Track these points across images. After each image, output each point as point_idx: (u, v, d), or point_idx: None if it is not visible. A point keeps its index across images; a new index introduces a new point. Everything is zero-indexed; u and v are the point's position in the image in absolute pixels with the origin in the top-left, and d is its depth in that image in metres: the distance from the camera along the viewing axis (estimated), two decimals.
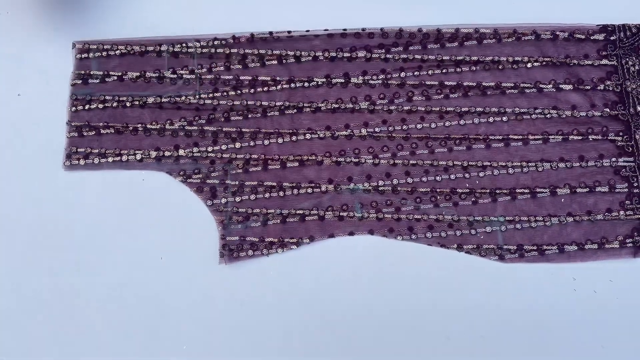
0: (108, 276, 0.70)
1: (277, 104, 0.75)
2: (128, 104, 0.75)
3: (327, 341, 0.69)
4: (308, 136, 0.74)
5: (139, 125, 0.74)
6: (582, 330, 0.69)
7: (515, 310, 0.70)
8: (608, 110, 0.75)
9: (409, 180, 0.73)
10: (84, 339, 0.68)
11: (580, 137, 0.75)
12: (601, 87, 0.76)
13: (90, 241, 0.71)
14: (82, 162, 0.73)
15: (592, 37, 0.77)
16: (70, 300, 0.69)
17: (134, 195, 0.72)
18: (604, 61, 0.77)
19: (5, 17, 0.77)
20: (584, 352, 0.68)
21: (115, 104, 0.75)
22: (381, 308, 0.69)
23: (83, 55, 0.76)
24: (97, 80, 0.75)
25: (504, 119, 0.75)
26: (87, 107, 0.74)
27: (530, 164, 0.74)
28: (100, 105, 0.75)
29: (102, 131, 0.74)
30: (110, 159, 0.73)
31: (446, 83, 0.76)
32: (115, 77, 0.75)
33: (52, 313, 0.69)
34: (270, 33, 0.77)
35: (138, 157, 0.73)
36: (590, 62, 0.76)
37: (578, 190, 0.73)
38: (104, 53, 0.76)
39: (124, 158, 0.73)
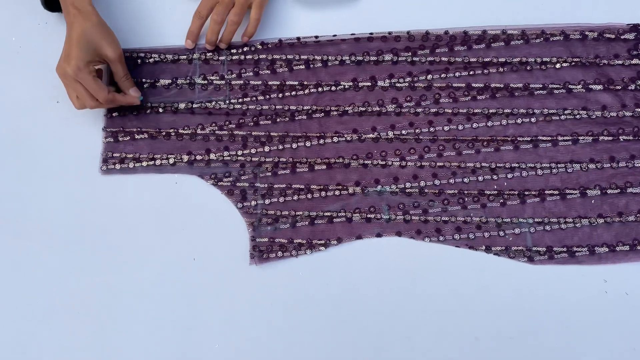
0: (143, 275, 0.72)
1: (305, 108, 0.76)
2: (161, 110, 0.77)
3: (356, 341, 0.69)
4: (335, 139, 0.75)
5: (172, 130, 0.76)
6: (614, 333, 0.68)
7: (544, 312, 0.69)
8: (639, 110, 0.74)
9: (436, 182, 0.74)
10: (118, 337, 0.71)
11: (610, 138, 0.74)
12: (632, 87, 0.75)
13: (126, 242, 0.73)
14: (117, 166, 0.75)
15: (622, 37, 0.76)
16: (106, 298, 0.72)
17: (167, 198, 0.75)
18: (635, 61, 0.76)
19: (44, 27, 0.81)
20: (616, 354, 0.68)
21: (148, 111, 0.77)
22: (409, 309, 0.70)
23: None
24: None
25: (533, 120, 0.75)
26: (121, 113, 0.77)
27: (559, 165, 0.73)
28: (135, 112, 0.77)
29: (137, 136, 0.76)
30: (144, 163, 0.76)
31: (473, 85, 0.76)
32: (148, 84, 0.78)
33: (88, 311, 0.71)
34: (298, 38, 0.78)
35: (171, 161, 0.75)
36: (620, 62, 0.76)
37: (609, 191, 0.72)
38: (138, 61, 0.78)
39: (158, 162, 0.75)
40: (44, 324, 0.71)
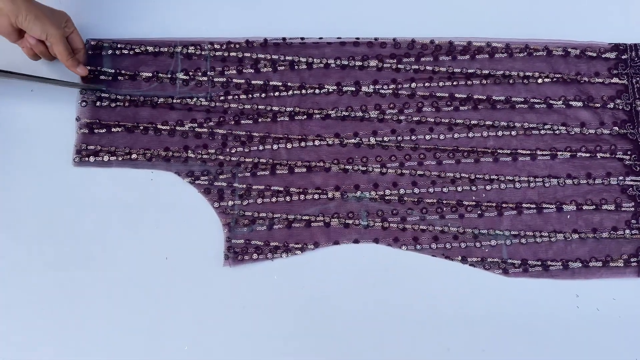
0: (113, 273, 0.70)
1: (288, 109, 0.75)
2: (139, 103, 0.75)
3: (328, 347, 0.69)
4: (317, 142, 0.75)
5: (150, 124, 0.75)
6: (584, 348, 0.69)
7: (517, 324, 0.70)
8: (617, 128, 0.75)
9: (416, 190, 0.73)
10: (86, 335, 0.68)
11: (588, 155, 0.75)
12: (611, 105, 0.76)
13: (96, 238, 0.71)
14: (91, 159, 0.73)
15: (603, 55, 0.77)
16: (74, 295, 0.69)
17: (141, 194, 0.73)
18: (615, 80, 0.77)
19: None
20: None
21: (127, 103, 0.75)
22: (383, 316, 0.70)
23: (96, 52, 0.76)
24: (110, 78, 0.76)
25: (513, 133, 0.75)
26: (97, 103, 0.75)
27: (537, 179, 0.74)
28: (112, 104, 0.75)
29: (113, 129, 0.74)
30: (119, 157, 0.73)
31: (456, 95, 0.76)
32: (127, 76, 0.76)
33: (55, 308, 0.69)
34: (284, 39, 0.77)
35: (147, 156, 0.74)
36: (600, 80, 0.77)
37: (584, 207, 0.73)
38: (117, 51, 0.76)
39: (134, 156, 0.74)
40: (7, 319, 0.69)
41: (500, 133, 0.75)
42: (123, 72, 0.76)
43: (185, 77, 0.76)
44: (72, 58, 0.72)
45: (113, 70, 0.76)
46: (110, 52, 0.77)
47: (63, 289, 0.69)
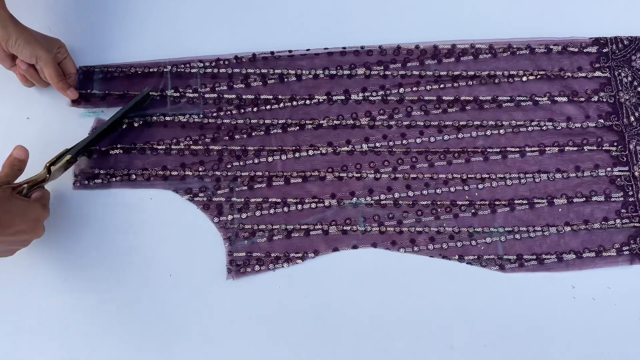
0: (118, 293, 0.71)
1: (280, 121, 0.77)
2: (136, 125, 0.76)
3: (334, 352, 0.70)
4: (310, 152, 0.76)
5: (146, 144, 0.76)
6: (582, 337, 0.71)
7: (516, 318, 0.71)
8: (602, 121, 0.77)
9: (410, 193, 0.75)
10: (93, 356, 0.70)
11: (575, 148, 0.76)
12: (595, 98, 0.78)
13: (99, 259, 0.72)
14: (91, 182, 0.75)
15: (585, 50, 0.79)
16: (79, 316, 0.71)
17: (142, 214, 0.74)
18: (597, 73, 0.79)
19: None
20: (584, 358, 0.70)
21: (124, 126, 0.76)
22: (386, 319, 0.71)
23: (87, 78, 0.78)
24: (99, 99, 0.77)
25: (501, 131, 0.77)
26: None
27: (527, 175, 0.75)
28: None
29: (111, 151, 0.76)
30: (118, 179, 0.75)
31: (444, 98, 0.78)
32: (117, 96, 0.77)
33: (61, 329, 0.70)
34: (272, 53, 0.79)
35: (145, 176, 0.75)
36: (583, 75, 0.78)
37: (575, 200, 0.75)
38: (108, 75, 0.78)
39: (132, 177, 0.75)
40: (13, 343, 0.70)
41: (488, 132, 0.77)
42: (112, 92, 0.77)
43: (175, 94, 0.77)
44: (62, 81, 0.73)
45: (102, 92, 0.77)
46: (100, 76, 0.78)
47: (68, 309, 0.71)
